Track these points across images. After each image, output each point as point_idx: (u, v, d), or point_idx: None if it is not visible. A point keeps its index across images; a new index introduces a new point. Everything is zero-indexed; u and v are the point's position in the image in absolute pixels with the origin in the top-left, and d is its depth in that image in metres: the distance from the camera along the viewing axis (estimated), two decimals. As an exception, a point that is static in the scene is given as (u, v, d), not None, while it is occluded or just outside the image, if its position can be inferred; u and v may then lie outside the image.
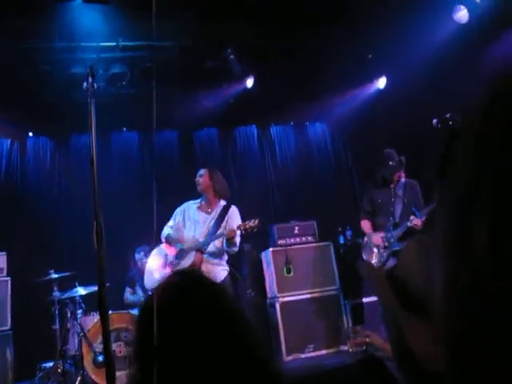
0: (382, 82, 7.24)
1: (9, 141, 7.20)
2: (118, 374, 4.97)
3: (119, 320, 4.95)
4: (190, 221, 4.66)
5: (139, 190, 6.82)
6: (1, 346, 5.20)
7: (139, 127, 7.38)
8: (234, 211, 4.59)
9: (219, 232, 4.40)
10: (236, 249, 4.48)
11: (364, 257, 4.94)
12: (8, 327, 5.29)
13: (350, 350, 3.76)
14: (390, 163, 4.89)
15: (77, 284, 5.19)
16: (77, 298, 5.18)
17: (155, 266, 4.54)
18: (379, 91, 7.31)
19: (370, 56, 6.77)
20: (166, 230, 4.67)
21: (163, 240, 4.64)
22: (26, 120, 6.80)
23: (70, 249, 6.63)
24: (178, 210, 4.82)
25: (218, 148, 7.76)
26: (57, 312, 5.24)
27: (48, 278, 5.19)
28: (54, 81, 6.18)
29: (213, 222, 4.50)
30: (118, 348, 4.93)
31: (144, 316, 0.99)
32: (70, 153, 7.28)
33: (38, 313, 5.69)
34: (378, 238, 4.83)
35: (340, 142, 8.23)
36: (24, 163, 7.15)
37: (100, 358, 4.84)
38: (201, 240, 4.39)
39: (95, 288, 5.29)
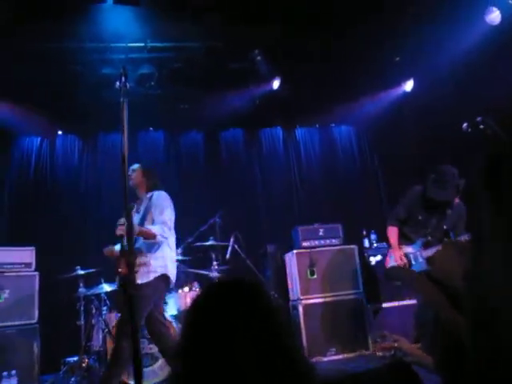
0: (409, 85, 7.17)
1: (39, 138, 7.38)
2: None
3: (143, 317, 4.99)
4: None
5: (164, 189, 6.89)
6: (28, 339, 5.30)
7: (165, 127, 7.46)
8: None
9: None
10: None
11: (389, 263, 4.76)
12: (35, 321, 5.40)
13: (378, 354, 3.71)
14: (449, 188, 4.26)
15: (102, 281, 5.26)
16: (102, 294, 5.25)
17: None
18: (406, 94, 7.24)
19: (398, 59, 6.70)
20: None
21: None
22: (55, 118, 6.95)
23: (97, 245, 6.71)
24: None
25: (244, 149, 7.79)
26: (82, 308, 5.32)
27: (74, 274, 5.28)
28: (84, 81, 6.29)
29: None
30: (142, 345, 4.98)
31: (189, 315, 1.01)
32: (97, 151, 7.42)
33: (64, 308, 5.79)
34: (400, 255, 4.49)
35: (366, 144, 8.17)
36: (53, 161, 7.32)
37: (124, 355, 4.89)
38: None
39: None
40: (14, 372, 4.78)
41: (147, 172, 4.53)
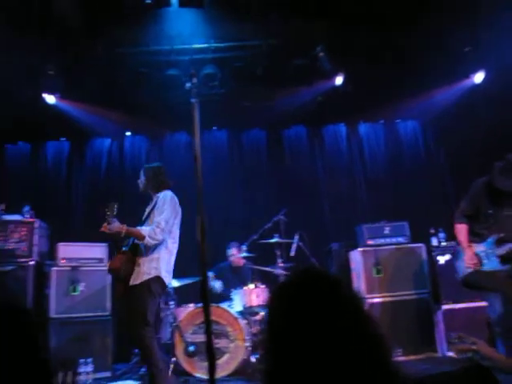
0: (479, 77, 6.84)
1: (109, 140, 7.72)
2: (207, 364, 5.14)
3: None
4: None
5: (228, 187, 7.02)
6: (102, 330, 5.59)
7: (228, 125, 7.56)
8: None
9: None
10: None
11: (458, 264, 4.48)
12: (108, 313, 5.68)
13: (454, 355, 3.57)
14: None
15: (170, 276, 5.41)
16: (170, 289, 5.42)
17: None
18: (476, 86, 6.91)
19: (468, 49, 6.41)
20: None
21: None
22: (124, 120, 7.23)
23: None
24: None
25: (307, 146, 7.74)
26: (151, 302, 5.51)
27: (144, 269, 5.48)
28: (150, 83, 6.49)
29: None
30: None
31: (273, 308, 1.01)
32: (163, 151, 7.63)
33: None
34: (471, 255, 4.21)
35: (432, 139, 7.89)
36: (122, 161, 7.62)
37: (191, 348, 5.04)
38: None
39: (187, 281, 5.52)
40: (90, 360, 5.05)
41: (149, 171, 4.48)
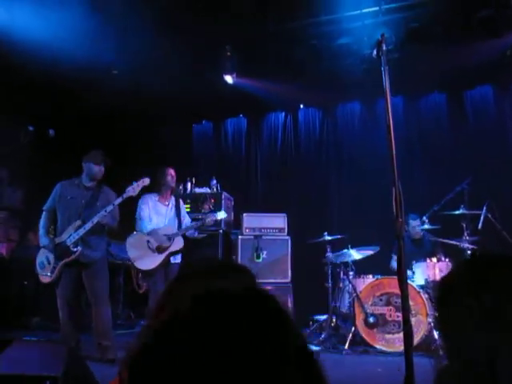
0: None
1: (283, 113, 7.97)
2: (388, 336, 5.11)
3: (390, 285, 5.02)
4: (155, 212, 5.02)
5: (406, 156, 6.72)
6: (283, 296, 5.89)
7: (404, 91, 7.16)
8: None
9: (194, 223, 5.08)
10: None
11: None
12: (289, 280, 5.98)
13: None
14: None
15: (349, 247, 5.45)
16: (349, 260, 5.46)
17: (139, 253, 4.80)
18: None
19: None
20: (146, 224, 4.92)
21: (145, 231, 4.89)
22: (297, 93, 7.36)
23: (339, 212, 6.99)
24: (143, 204, 5.00)
25: (494, 108, 6.91)
26: (329, 271, 5.64)
27: (322, 239, 5.61)
28: (321, 54, 6.46)
29: (172, 212, 5.05)
30: (388, 312, 5.04)
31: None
32: (337, 121, 7.61)
33: (313, 270, 6.20)
34: None
35: None
36: (296, 133, 7.83)
37: (371, 319, 5.03)
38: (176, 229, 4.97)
39: (367, 252, 5.50)
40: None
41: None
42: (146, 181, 4.50)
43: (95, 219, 4.16)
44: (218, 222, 5.77)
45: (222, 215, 5.37)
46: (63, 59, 5.71)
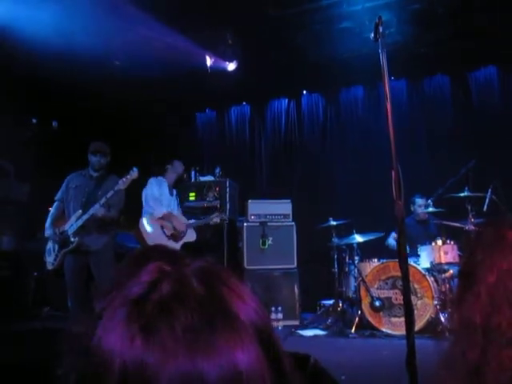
0: None
1: (286, 100, 7.94)
2: (394, 319, 5.14)
3: (396, 268, 5.03)
4: (165, 199, 5.11)
5: (409, 138, 6.68)
6: (290, 282, 5.96)
7: (407, 74, 7.11)
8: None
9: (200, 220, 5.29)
10: None
11: None
12: (294, 266, 6.02)
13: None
14: None
15: (354, 231, 5.47)
16: (354, 244, 5.48)
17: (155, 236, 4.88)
18: None
19: None
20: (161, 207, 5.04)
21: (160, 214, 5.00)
22: (300, 79, 7.33)
23: (345, 196, 6.99)
24: (159, 185, 5.11)
25: (498, 89, 6.82)
26: (335, 256, 5.66)
27: (327, 224, 5.63)
28: (323, 39, 6.41)
29: (175, 202, 5.27)
30: (394, 295, 5.06)
31: None
32: (340, 106, 7.58)
33: (319, 255, 6.23)
34: None
35: None
36: (300, 119, 7.80)
37: (377, 303, 5.06)
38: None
39: (371, 236, 5.51)
40: (279, 308, 5.46)
41: None
42: (135, 174, 4.33)
43: (90, 211, 4.17)
44: (223, 210, 5.84)
45: (224, 217, 5.56)
46: (65, 52, 5.70)
